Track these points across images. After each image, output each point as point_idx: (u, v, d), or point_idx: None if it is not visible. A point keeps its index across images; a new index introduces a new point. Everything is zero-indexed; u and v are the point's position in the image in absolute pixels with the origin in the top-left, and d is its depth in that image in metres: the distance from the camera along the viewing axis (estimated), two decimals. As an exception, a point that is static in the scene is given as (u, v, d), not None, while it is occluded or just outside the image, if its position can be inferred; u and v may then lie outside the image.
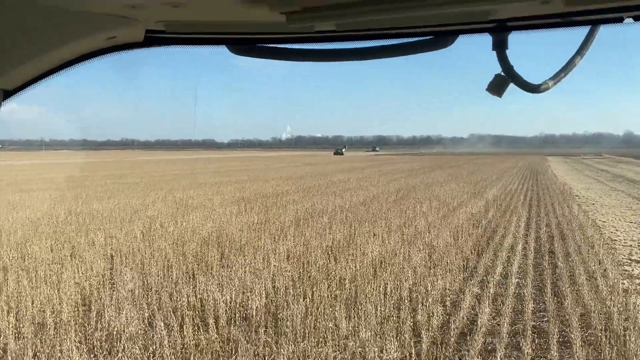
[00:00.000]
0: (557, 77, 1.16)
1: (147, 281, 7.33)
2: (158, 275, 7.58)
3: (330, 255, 9.04)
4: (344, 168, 42.69)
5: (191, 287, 7.04)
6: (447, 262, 8.49)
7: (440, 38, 1.16)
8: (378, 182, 25.55)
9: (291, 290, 6.82)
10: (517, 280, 7.59)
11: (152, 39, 1.19)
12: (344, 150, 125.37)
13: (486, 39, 1.10)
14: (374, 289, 6.84)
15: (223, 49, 1.21)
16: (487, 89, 1.18)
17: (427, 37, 1.17)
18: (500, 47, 1.11)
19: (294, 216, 13.46)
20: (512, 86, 1.15)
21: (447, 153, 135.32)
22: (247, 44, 1.22)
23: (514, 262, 8.71)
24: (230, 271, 7.76)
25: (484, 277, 7.68)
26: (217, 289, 6.87)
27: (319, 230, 11.19)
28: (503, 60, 1.13)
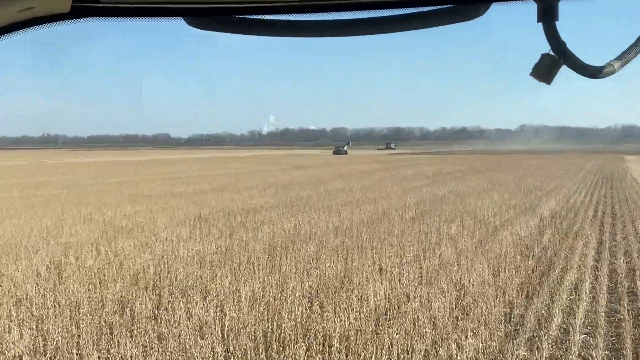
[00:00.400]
0: (625, 56, 1.19)
1: (43, 344, 6.88)
2: (61, 335, 7.13)
3: (315, 300, 8.67)
4: (346, 172, 42.61)
5: (104, 350, 6.59)
6: (482, 310, 8.10)
7: (468, 6, 1.20)
8: (391, 192, 25.36)
9: (252, 356, 6.38)
10: (583, 337, 7.23)
11: (82, 10, 1.21)
12: (346, 147, 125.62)
13: (529, 7, 1.15)
14: (373, 353, 6.42)
15: (178, 22, 1.24)
16: (531, 74, 1.25)
17: (450, 5, 1.21)
18: (547, 18, 1.15)
19: (268, 243, 13.13)
20: (565, 69, 1.20)
21: (489, 151, 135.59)
22: (211, 14, 1.24)
23: (578, 310, 8.42)
24: (166, 327, 7.33)
25: (535, 334, 7.30)
26: (141, 356, 6.42)
27: (301, 262, 10.96)
28: (552, 35, 1.17)
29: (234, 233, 14.60)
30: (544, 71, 1.24)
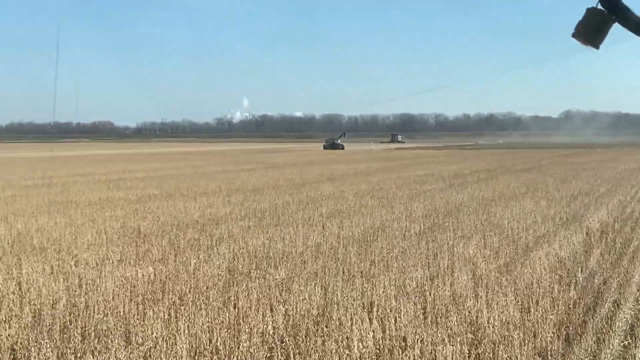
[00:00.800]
0: None
1: None
2: None
3: (280, 348, 8.28)
4: (338, 173, 42.37)
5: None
6: (504, 362, 7.76)
7: None
8: (394, 198, 25.07)
9: None
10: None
11: None
12: (339, 140, 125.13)
13: None
14: None
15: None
16: (573, 35, 1.50)
17: None
18: None
19: (226, 267, 12.73)
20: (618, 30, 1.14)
21: (524, 144, 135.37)
22: None
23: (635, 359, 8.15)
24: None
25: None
26: None
27: (265, 294, 10.58)
28: None
29: (180, 254, 14.19)
30: (591, 31, 1.19)
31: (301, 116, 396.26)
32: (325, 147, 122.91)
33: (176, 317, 9.35)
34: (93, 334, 8.78)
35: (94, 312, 9.62)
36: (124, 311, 9.70)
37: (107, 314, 9.51)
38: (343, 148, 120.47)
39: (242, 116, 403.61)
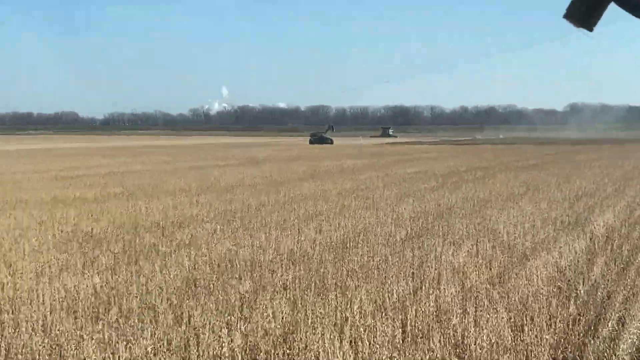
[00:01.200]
0: None
1: None
2: None
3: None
4: (322, 170, 42.04)
5: None
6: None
7: None
8: (380, 198, 24.77)
9: None
10: None
11: None
12: (327, 133, 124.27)
13: None
14: None
15: None
16: (565, 16, 1.61)
17: None
18: None
19: (184, 276, 12.26)
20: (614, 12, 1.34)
21: (527, 140, 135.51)
22: None
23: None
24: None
25: None
26: None
27: (224, 310, 10.12)
28: None
29: (133, 262, 13.68)
30: (584, 12, 1.40)
31: (284, 107, 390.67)
32: (311, 142, 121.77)
33: (116, 337, 8.89)
34: (20, 357, 8.32)
35: (23, 332, 9.15)
36: (58, 330, 9.23)
37: (38, 333, 9.05)
38: (332, 142, 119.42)
39: (220, 107, 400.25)
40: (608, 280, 12.57)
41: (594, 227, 18.15)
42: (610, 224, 19.02)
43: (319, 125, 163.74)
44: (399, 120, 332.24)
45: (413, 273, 12.67)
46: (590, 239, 16.48)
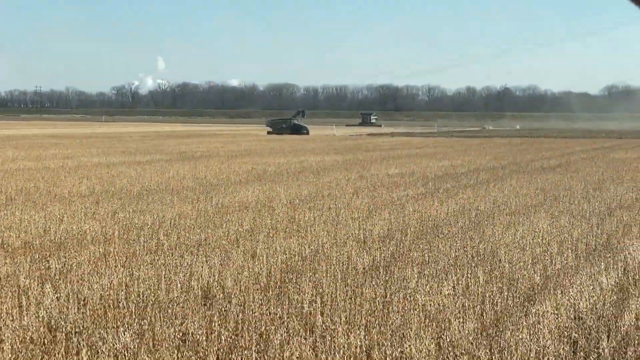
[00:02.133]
0: None
1: None
2: None
3: None
4: (275, 168, 40.21)
5: None
6: None
7: None
8: (346, 209, 23.00)
9: None
10: None
11: None
12: (298, 120, 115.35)
13: None
14: None
15: None
16: None
17: None
18: None
19: (45, 322, 10.41)
20: None
21: (550, 131, 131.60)
22: None
23: None
24: None
25: None
26: None
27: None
28: None
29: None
30: None
31: (237, 85, 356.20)
32: (271, 132, 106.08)
33: None
34: None
35: None
36: None
37: None
38: (308, 132, 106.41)
39: (154, 84, 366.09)
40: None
41: (629, 254, 15.77)
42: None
43: (282, 110, 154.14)
44: (388, 106, 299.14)
45: (368, 324, 10.47)
46: (624, 271, 14.13)
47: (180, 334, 10.35)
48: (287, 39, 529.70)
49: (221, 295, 12.44)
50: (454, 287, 12.90)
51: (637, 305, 12.15)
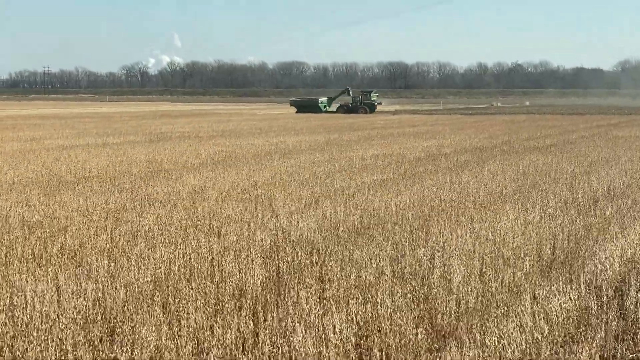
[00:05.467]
0: None
1: None
2: None
3: None
4: (244, 150, 37.75)
5: None
6: None
7: None
8: (286, 200, 20.28)
9: None
10: None
11: None
12: (338, 100, 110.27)
13: None
14: None
15: None
16: None
17: None
18: None
19: None
20: None
21: (561, 109, 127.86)
22: None
23: None
24: None
25: None
26: None
27: None
28: None
29: None
30: None
31: (246, 64, 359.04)
32: (297, 109, 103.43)
33: None
34: None
35: None
36: None
37: None
38: (371, 110, 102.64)
39: (171, 62, 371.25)
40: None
41: (600, 260, 12.67)
42: (631, 254, 13.54)
43: (290, 89, 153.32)
44: (398, 83, 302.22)
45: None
46: (588, 287, 11.02)
47: None
48: (298, 16, 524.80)
49: (102, 318, 9.34)
50: (358, 314, 10.27)
51: (600, 340, 9.03)
